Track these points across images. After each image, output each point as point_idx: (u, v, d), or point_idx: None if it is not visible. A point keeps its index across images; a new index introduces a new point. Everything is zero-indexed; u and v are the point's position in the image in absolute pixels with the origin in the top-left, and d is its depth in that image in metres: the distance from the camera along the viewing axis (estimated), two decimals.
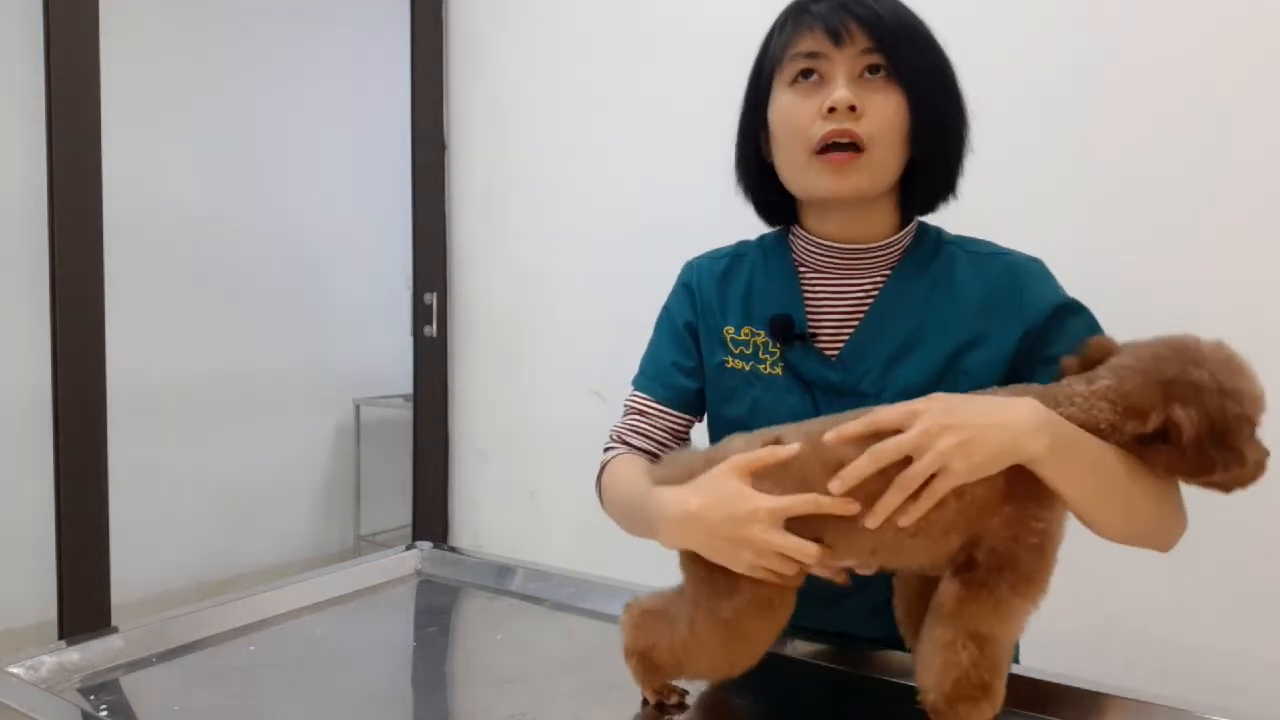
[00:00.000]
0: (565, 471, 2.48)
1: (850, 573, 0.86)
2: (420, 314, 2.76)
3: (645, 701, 0.91)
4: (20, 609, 2.58)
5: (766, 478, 0.82)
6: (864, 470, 0.77)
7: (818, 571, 0.83)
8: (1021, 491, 0.78)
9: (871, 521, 0.78)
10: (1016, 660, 1.06)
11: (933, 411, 0.77)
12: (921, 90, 0.95)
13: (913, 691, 0.84)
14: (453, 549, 1.39)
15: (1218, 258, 1.58)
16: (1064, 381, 0.85)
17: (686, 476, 0.86)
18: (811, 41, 0.94)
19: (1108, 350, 0.84)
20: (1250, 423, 0.77)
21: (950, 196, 1.02)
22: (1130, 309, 1.63)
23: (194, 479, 3.32)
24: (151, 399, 3.12)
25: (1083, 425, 0.80)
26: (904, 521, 0.77)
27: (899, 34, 0.94)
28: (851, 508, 0.78)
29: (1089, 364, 0.85)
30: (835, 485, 0.78)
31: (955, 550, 0.80)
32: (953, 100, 0.98)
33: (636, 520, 0.96)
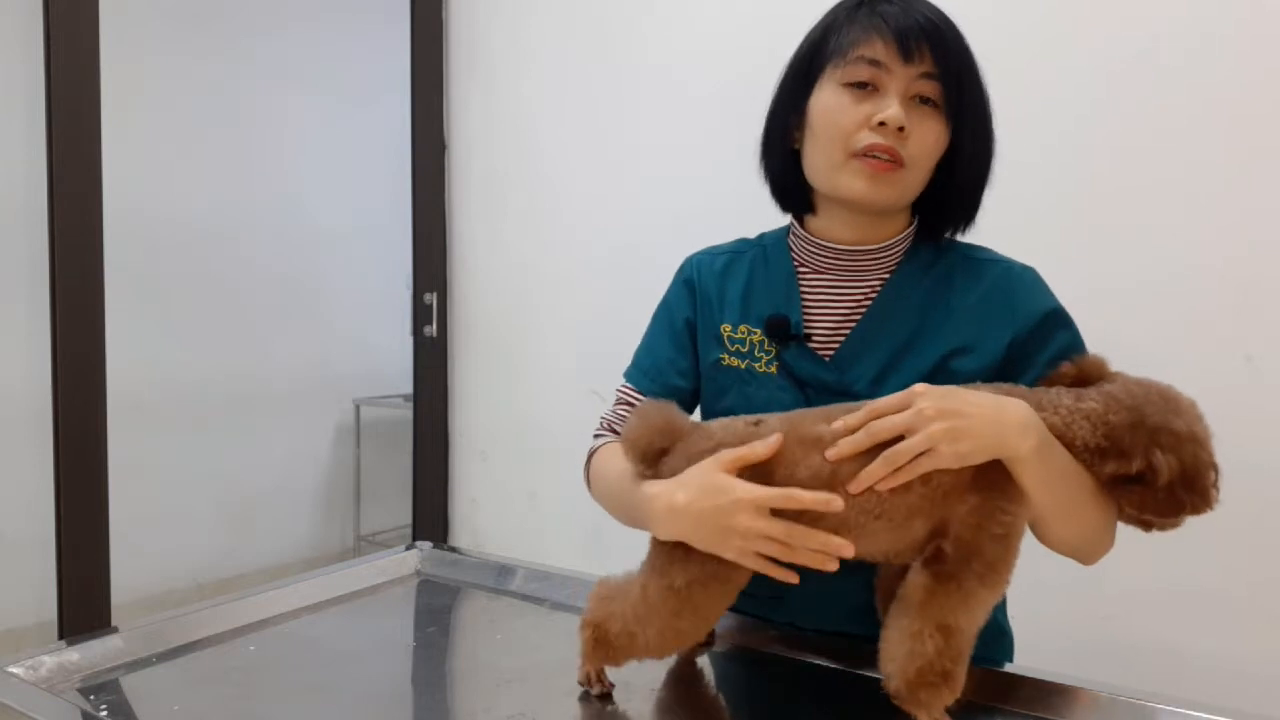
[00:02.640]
0: (565, 471, 2.46)
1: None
2: (420, 314, 2.76)
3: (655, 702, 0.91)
4: (20, 609, 2.58)
5: (750, 473, 0.86)
6: (860, 444, 0.82)
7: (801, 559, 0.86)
8: (989, 483, 0.82)
9: (854, 487, 0.82)
10: (1010, 659, 1.06)
11: (930, 395, 0.81)
12: (963, 127, 0.97)
13: None
14: (453, 549, 1.39)
15: (1218, 259, 1.58)
16: (1052, 390, 0.88)
17: (655, 436, 0.92)
18: (881, 49, 0.94)
19: (1101, 372, 0.88)
20: (1216, 470, 0.82)
21: (969, 225, 1.04)
22: (1130, 309, 1.64)
23: (194, 479, 3.32)
24: (151, 399, 3.12)
25: (1059, 437, 0.84)
26: (883, 487, 0.81)
27: (960, 68, 0.95)
28: (835, 504, 0.81)
29: (1083, 379, 0.88)
30: (831, 453, 0.83)
31: (920, 538, 0.84)
32: (988, 138, 1.00)
33: (624, 511, 0.99)
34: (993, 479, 0.81)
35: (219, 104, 3.36)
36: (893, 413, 0.82)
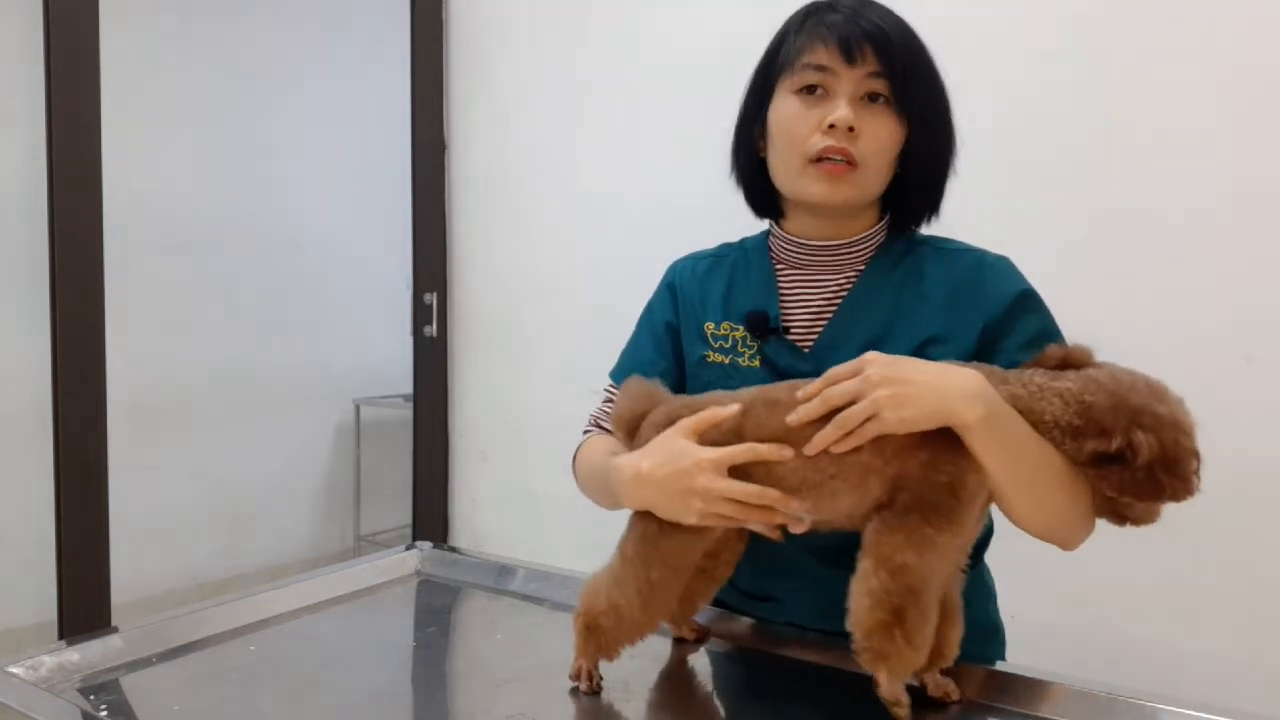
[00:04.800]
0: (565, 471, 2.46)
1: (796, 538, 0.88)
2: (420, 314, 2.76)
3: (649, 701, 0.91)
4: (20, 609, 2.58)
5: (716, 438, 0.89)
6: (814, 411, 0.86)
7: (753, 527, 0.89)
8: (938, 441, 0.83)
9: (809, 450, 0.86)
10: (1003, 656, 1.06)
11: (878, 364, 0.85)
12: (917, 119, 1.00)
13: (911, 691, 0.84)
14: (453, 549, 1.39)
15: (1218, 259, 1.58)
16: (1026, 370, 0.89)
17: (636, 403, 0.96)
18: (824, 55, 0.97)
19: (1087, 361, 0.89)
20: (1198, 458, 0.82)
21: (935, 215, 1.07)
22: (1130, 309, 1.64)
23: (194, 479, 3.32)
24: (151, 399, 3.12)
25: (1023, 411, 0.85)
26: (837, 450, 0.85)
27: (906, 63, 0.98)
28: (785, 453, 0.86)
29: (1068, 365, 0.89)
30: (791, 418, 0.87)
31: (881, 499, 0.86)
32: (944, 129, 1.03)
33: (603, 491, 1.02)
34: (942, 438, 0.83)
35: (220, 104, 3.36)
36: (846, 379, 0.85)
